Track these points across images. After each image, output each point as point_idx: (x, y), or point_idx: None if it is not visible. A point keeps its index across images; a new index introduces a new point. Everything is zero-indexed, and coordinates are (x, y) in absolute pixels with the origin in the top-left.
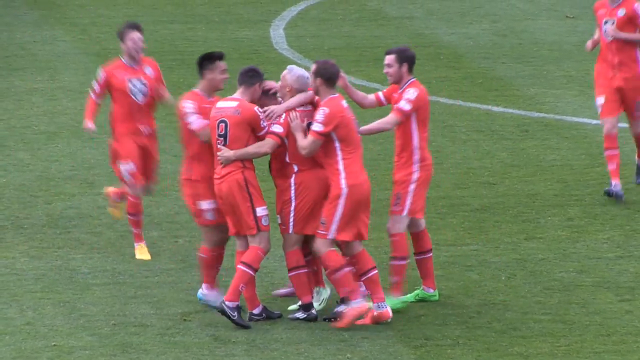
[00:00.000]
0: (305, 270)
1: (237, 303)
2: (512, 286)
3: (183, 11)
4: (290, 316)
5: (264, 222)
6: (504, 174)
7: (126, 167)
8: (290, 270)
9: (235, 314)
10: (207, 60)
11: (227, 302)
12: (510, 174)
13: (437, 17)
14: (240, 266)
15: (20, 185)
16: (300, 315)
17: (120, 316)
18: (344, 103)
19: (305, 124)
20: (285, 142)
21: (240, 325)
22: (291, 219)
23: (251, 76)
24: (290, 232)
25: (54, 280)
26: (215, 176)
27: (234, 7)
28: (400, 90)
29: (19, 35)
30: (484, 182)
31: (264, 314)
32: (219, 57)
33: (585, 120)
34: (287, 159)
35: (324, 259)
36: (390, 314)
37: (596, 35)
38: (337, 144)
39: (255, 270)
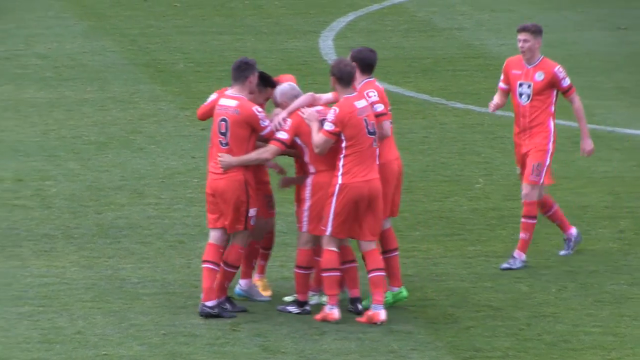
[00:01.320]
0: (310, 272)
1: (225, 296)
2: (563, 298)
3: (232, 22)
4: (280, 307)
5: (252, 222)
6: (555, 185)
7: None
8: (296, 266)
9: (227, 305)
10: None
11: (206, 303)
12: (560, 186)
13: (487, 28)
14: (223, 266)
15: (70, 195)
16: (293, 309)
17: (169, 326)
18: (359, 103)
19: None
20: (301, 144)
21: (234, 313)
22: (305, 218)
23: (243, 70)
24: (303, 230)
25: (104, 289)
26: (213, 171)
27: (283, 18)
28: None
29: (69, 45)
30: None
31: (216, 309)
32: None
33: (637, 132)
34: (306, 159)
35: (322, 255)
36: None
37: (500, 99)
38: (343, 143)
39: (237, 268)
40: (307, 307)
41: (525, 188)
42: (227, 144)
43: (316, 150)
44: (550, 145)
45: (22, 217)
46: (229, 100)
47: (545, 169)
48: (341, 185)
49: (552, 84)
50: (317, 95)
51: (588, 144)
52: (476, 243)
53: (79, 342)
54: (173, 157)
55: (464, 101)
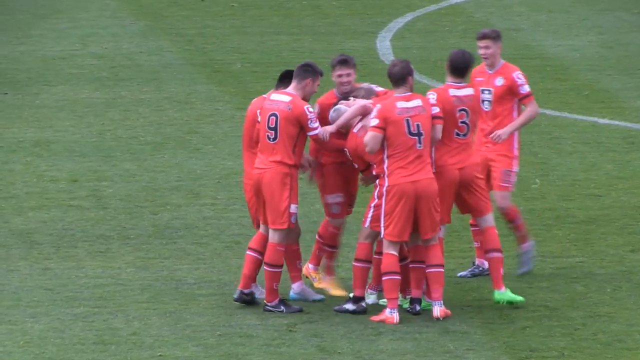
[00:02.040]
0: (369, 266)
1: (278, 299)
2: (618, 298)
3: (289, 22)
4: (337, 307)
5: (293, 219)
6: (610, 186)
7: (334, 199)
8: (355, 259)
9: (282, 307)
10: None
11: (269, 304)
12: (616, 186)
13: (544, 29)
14: (266, 268)
15: (126, 195)
16: (349, 307)
17: (225, 327)
18: (402, 103)
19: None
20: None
21: (293, 313)
22: (370, 214)
23: (305, 71)
24: (365, 225)
25: (160, 290)
26: (257, 165)
27: (341, 19)
28: None
29: (126, 45)
30: (589, 194)
31: (281, 307)
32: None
33: None
34: (374, 172)
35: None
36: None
37: None
38: (384, 143)
39: (282, 266)
40: (363, 304)
41: (496, 196)
42: (275, 139)
43: (367, 149)
44: (516, 152)
45: (77, 218)
46: (282, 95)
47: (514, 174)
48: (388, 187)
49: (511, 89)
50: (369, 105)
51: (504, 133)
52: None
53: (134, 343)
54: (229, 158)
55: None
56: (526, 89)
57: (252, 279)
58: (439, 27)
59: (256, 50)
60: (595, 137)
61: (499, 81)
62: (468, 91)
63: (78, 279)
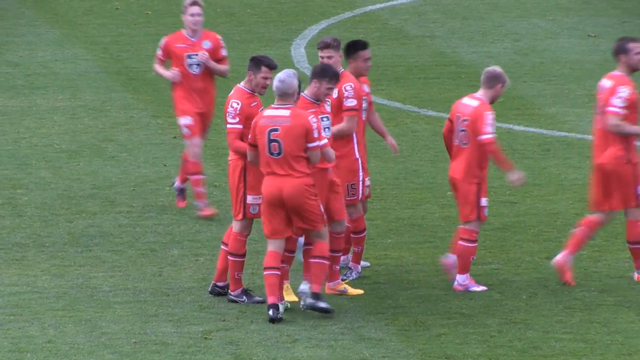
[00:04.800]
0: (239, 259)
1: (241, 288)
2: (534, 305)
3: None
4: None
5: (251, 210)
6: (525, 193)
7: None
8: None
9: (244, 297)
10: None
11: (232, 293)
12: (531, 193)
13: (459, 36)
14: (229, 257)
15: (42, 203)
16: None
17: (141, 334)
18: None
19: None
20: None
21: (254, 303)
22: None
23: (249, 64)
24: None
25: (76, 298)
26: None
27: (255, 26)
28: None
29: (41, 53)
30: (505, 200)
31: (244, 297)
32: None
33: None
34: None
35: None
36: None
37: None
38: None
39: (243, 255)
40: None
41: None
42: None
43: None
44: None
45: None
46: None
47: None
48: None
49: (340, 100)
50: None
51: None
52: (448, 250)
53: (50, 351)
54: (145, 165)
55: (435, 109)
56: (351, 102)
57: (224, 271)
58: (354, 35)
59: None
60: (511, 144)
61: (334, 93)
62: None
63: None
